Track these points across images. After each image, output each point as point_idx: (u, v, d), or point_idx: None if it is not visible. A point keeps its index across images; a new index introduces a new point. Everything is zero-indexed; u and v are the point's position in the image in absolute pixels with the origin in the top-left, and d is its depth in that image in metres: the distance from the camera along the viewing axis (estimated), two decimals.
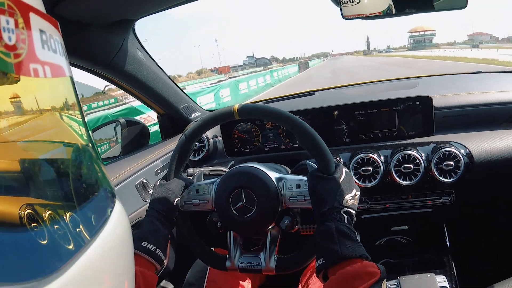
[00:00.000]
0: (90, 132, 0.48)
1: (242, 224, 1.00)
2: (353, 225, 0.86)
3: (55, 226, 0.34)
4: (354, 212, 0.86)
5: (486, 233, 1.69)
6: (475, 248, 1.70)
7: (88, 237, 0.39)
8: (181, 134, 1.07)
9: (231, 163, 1.58)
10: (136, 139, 1.77)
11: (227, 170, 1.27)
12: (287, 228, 0.99)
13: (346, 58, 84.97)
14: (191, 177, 1.17)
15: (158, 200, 1.00)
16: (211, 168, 1.35)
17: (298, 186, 0.98)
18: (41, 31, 0.37)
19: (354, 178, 1.42)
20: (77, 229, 0.37)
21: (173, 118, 1.81)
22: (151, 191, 1.27)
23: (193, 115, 1.85)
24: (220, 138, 1.72)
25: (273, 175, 1.01)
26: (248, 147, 1.67)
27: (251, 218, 0.98)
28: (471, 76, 1.95)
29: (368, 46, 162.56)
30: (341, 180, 0.87)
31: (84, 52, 1.26)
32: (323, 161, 0.90)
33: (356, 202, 0.89)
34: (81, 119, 0.45)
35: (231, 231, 1.06)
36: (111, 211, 0.47)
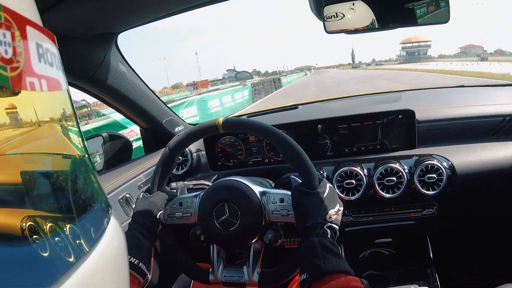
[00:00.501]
0: (85, 143, 0.48)
1: (226, 238, 0.99)
2: (337, 238, 0.86)
3: (52, 238, 0.34)
4: (337, 227, 0.87)
5: (467, 245, 1.71)
6: (456, 260, 1.71)
7: (87, 249, 0.39)
8: (164, 148, 1.06)
9: (215, 177, 1.58)
10: (119, 153, 1.75)
11: (210, 184, 1.26)
12: (271, 242, 0.99)
13: (331, 72, 78.99)
14: (174, 191, 1.15)
15: (141, 213, 0.99)
16: (194, 182, 1.34)
17: (282, 200, 0.98)
18: (37, 44, 0.37)
19: (337, 192, 1.43)
20: (77, 241, 0.37)
21: (156, 132, 1.79)
22: (134, 206, 1.25)
23: (176, 129, 1.84)
24: (203, 152, 1.71)
25: (257, 189, 1.01)
26: (231, 160, 1.66)
27: (234, 231, 0.97)
28: (453, 90, 1.99)
29: (353, 59, 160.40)
30: (324, 195, 0.88)
31: (65, 66, 1.24)
32: (307, 176, 0.90)
33: (340, 217, 0.89)
34: (77, 130, 0.45)
35: (215, 245, 1.05)
36: (107, 222, 0.47)
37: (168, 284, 1.39)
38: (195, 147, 1.72)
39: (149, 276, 0.93)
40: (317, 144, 1.57)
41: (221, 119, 0.98)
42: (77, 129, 0.45)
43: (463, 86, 2.03)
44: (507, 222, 1.58)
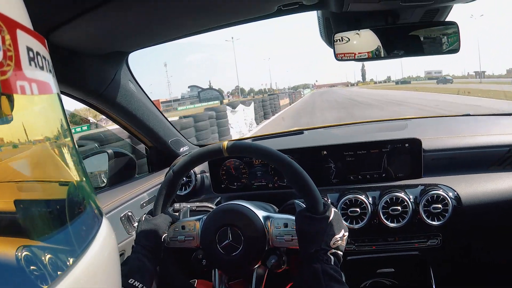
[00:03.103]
0: (80, 157, 0.48)
1: (228, 263, 0.98)
2: (340, 266, 0.85)
3: (40, 249, 0.34)
4: (341, 253, 0.86)
5: (471, 278, 1.67)
6: None
7: (70, 260, 0.38)
8: (168, 168, 1.06)
9: (218, 199, 1.57)
10: (123, 171, 1.75)
11: (213, 206, 1.26)
12: (273, 268, 0.99)
13: (339, 92, 52.12)
14: (177, 213, 1.15)
15: (144, 236, 0.99)
16: (197, 204, 1.33)
17: (286, 225, 0.97)
18: (28, 47, 0.36)
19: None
20: (63, 251, 0.37)
21: (161, 151, 1.80)
22: (135, 224, 1.23)
23: (181, 149, 1.84)
24: (207, 174, 1.70)
25: (261, 213, 1.01)
26: (235, 184, 1.65)
27: (237, 256, 0.97)
28: (460, 118, 1.99)
29: (363, 76, 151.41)
30: (329, 220, 0.87)
31: (77, 82, 1.26)
32: (312, 201, 0.89)
33: (344, 243, 0.88)
34: (68, 132, 0.45)
35: (216, 269, 1.04)
36: (97, 231, 0.46)
37: None
38: (200, 168, 1.72)
39: None
40: (322, 171, 1.56)
41: (225, 143, 0.98)
42: (67, 131, 0.45)
43: (469, 114, 2.03)
44: None
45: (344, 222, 1.37)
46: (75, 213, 0.43)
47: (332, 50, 1.21)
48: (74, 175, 0.45)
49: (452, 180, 1.45)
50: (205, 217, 1.05)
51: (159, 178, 1.67)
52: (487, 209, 1.40)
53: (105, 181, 1.71)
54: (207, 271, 1.06)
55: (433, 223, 1.38)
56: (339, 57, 1.18)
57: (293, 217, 0.96)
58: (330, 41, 1.20)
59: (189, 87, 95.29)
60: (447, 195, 1.38)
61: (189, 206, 1.23)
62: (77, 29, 1.03)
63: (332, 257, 0.83)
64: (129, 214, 1.42)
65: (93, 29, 1.06)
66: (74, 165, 0.45)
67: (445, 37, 1.12)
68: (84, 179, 0.47)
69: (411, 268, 1.63)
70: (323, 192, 1.50)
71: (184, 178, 1.63)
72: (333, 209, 0.91)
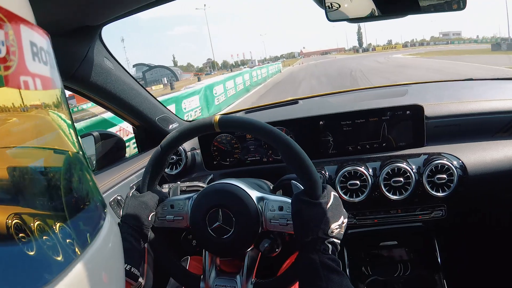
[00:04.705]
0: (80, 140, 0.48)
1: (219, 246, 0.94)
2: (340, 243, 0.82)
3: (44, 237, 0.34)
4: (339, 241, 0.81)
5: (477, 250, 1.63)
6: (466, 265, 1.63)
7: (79, 249, 0.38)
8: (156, 148, 1.00)
9: (210, 177, 1.51)
10: (111, 153, 1.68)
11: (205, 185, 1.19)
12: (266, 252, 0.94)
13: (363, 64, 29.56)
14: (166, 191, 1.09)
15: (131, 215, 0.94)
16: (188, 183, 1.28)
17: (281, 209, 0.92)
18: (32, 43, 0.36)
19: (341, 194, 1.36)
20: (68, 241, 0.37)
21: (149, 130, 1.73)
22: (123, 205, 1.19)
23: (170, 127, 1.77)
24: (198, 151, 1.64)
25: (254, 194, 0.95)
26: (228, 160, 1.59)
27: (228, 239, 0.92)
28: (463, 83, 1.91)
29: (359, 40, 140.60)
30: (328, 205, 0.81)
31: None
32: (310, 184, 0.83)
33: (343, 231, 0.82)
34: (71, 125, 0.45)
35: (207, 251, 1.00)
36: (103, 223, 0.46)
37: (162, 284, 1.34)
38: (190, 145, 1.65)
39: (142, 281, 0.89)
40: (319, 142, 1.49)
41: (217, 117, 0.91)
42: (71, 126, 0.45)
43: (471, 79, 1.95)
44: None
45: (342, 198, 1.32)
46: (82, 206, 0.43)
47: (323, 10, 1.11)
48: (77, 169, 0.45)
49: (456, 149, 1.38)
50: (196, 195, 0.99)
51: (148, 159, 1.60)
52: (494, 178, 1.33)
53: (94, 165, 1.64)
54: (198, 252, 1.02)
55: (438, 194, 1.32)
56: (332, 17, 1.07)
57: (289, 200, 0.90)
58: (322, 2, 1.09)
59: (134, 66, 79.18)
60: (452, 164, 1.30)
61: (179, 183, 1.18)
62: (35, 7, 0.92)
63: (330, 246, 0.78)
64: (119, 198, 1.36)
65: (53, 4, 0.95)
66: (80, 158, 0.46)
67: None
68: (88, 172, 0.47)
69: (414, 240, 1.60)
70: (320, 165, 1.44)
71: (174, 157, 1.59)
72: (332, 193, 0.85)
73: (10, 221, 0.31)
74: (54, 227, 0.36)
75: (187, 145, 1.63)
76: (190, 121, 1.67)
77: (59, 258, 0.35)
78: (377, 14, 1.06)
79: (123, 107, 1.53)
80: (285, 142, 0.86)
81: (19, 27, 0.34)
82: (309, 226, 0.80)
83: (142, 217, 0.94)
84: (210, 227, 0.93)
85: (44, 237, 0.34)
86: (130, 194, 0.99)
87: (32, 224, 0.33)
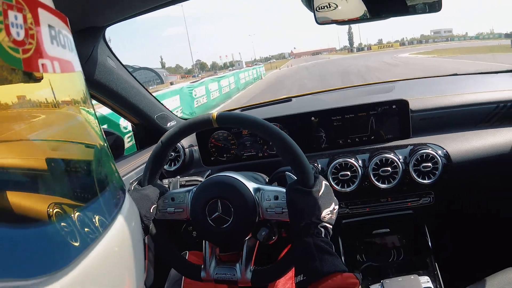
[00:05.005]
0: (101, 128, 0.50)
1: (218, 235, 0.97)
2: (334, 231, 0.86)
3: (69, 221, 0.36)
4: (331, 226, 0.86)
5: (466, 233, 1.71)
6: (456, 248, 1.71)
7: (100, 230, 0.40)
8: (157, 144, 1.04)
9: (208, 172, 1.55)
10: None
11: (203, 180, 1.24)
12: (264, 240, 0.98)
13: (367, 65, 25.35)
14: (166, 185, 1.13)
15: None
16: (187, 178, 1.32)
17: (276, 198, 0.96)
18: (50, 26, 0.36)
19: (333, 184, 1.42)
20: (91, 222, 0.39)
21: (148, 127, 1.77)
22: None
23: (168, 124, 1.82)
24: (196, 147, 1.69)
25: (251, 185, 0.99)
26: (225, 155, 1.64)
27: (227, 229, 0.96)
28: (447, 78, 1.99)
29: (350, 40, 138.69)
30: (320, 193, 0.86)
31: None
32: (302, 174, 0.89)
33: (334, 216, 0.88)
34: (92, 111, 0.47)
35: (207, 241, 1.03)
36: (123, 203, 0.49)
37: (163, 279, 1.37)
38: (188, 142, 1.70)
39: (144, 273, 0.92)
40: (311, 137, 1.56)
41: (215, 113, 0.96)
42: (92, 110, 0.46)
43: (456, 74, 2.03)
44: (505, 206, 1.58)
45: (334, 188, 1.39)
46: (102, 189, 0.45)
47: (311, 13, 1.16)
48: (97, 154, 0.47)
49: (441, 139, 1.46)
50: (195, 188, 1.03)
51: (147, 155, 1.64)
52: (476, 164, 1.41)
53: None
54: (199, 243, 1.06)
55: (424, 181, 1.39)
56: (320, 20, 1.13)
57: (284, 190, 0.95)
58: (310, 4, 1.15)
59: None
60: (436, 153, 1.38)
61: (179, 177, 1.22)
62: None
63: (323, 230, 0.83)
64: None
65: (62, 5, 1.00)
66: (105, 147, 0.48)
67: None
68: (112, 160, 0.50)
69: (406, 227, 1.66)
70: (313, 158, 1.51)
71: (172, 153, 1.63)
72: (324, 182, 0.90)
73: (51, 209, 0.34)
74: (76, 211, 0.38)
75: (185, 142, 1.67)
76: (186, 119, 1.72)
77: (80, 239, 0.36)
78: (365, 17, 1.11)
79: (124, 105, 1.58)
80: (279, 136, 0.91)
81: (37, 10, 0.34)
82: (303, 212, 0.84)
83: (143, 209, 0.97)
84: (210, 218, 0.96)
85: (67, 220, 0.36)
86: (132, 188, 1.02)
87: (58, 209, 0.35)
